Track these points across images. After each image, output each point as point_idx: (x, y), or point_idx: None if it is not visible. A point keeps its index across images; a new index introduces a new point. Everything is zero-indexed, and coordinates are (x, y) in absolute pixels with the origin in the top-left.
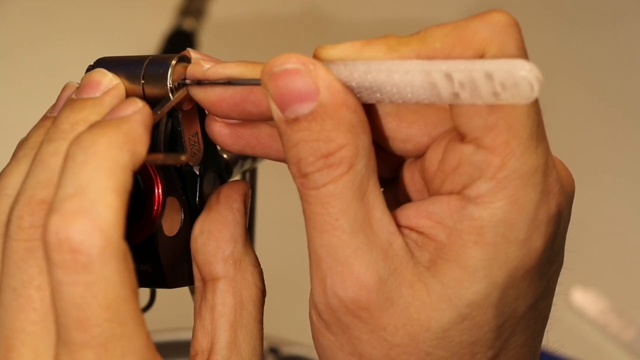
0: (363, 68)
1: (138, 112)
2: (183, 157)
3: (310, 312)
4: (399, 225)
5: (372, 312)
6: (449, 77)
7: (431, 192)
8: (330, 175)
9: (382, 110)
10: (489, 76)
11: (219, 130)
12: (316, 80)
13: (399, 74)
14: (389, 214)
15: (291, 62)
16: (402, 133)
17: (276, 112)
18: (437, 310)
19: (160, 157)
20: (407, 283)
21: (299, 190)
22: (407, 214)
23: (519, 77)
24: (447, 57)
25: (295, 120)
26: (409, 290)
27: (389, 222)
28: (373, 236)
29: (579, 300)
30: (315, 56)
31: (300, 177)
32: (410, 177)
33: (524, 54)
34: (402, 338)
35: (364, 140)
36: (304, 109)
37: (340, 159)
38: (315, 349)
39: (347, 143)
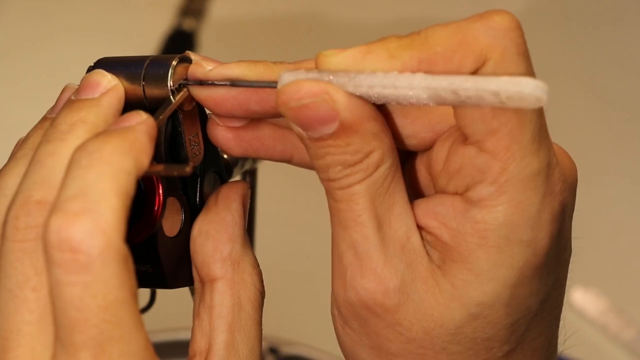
0: (367, 82)
1: (142, 123)
2: (187, 169)
3: (332, 309)
4: None
5: (387, 307)
6: (455, 93)
7: (437, 189)
8: (357, 178)
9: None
10: (495, 93)
11: (222, 135)
12: (333, 106)
13: (404, 90)
14: (409, 209)
15: (304, 96)
16: (406, 129)
17: (298, 130)
18: (449, 308)
19: (164, 168)
20: (422, 279)
21: (325, 188)
22: (416, 213)
23: (525, 94)
24: (448, 62)
25: (320, 138)
26: (423, 286)
27: (408, 217)
28: (391, 231)
29: (579, 300)
30: (317, 64)
31: (328, 180)
32: (417, 171)
33: (525, 60)
34: (417, 333)
35: (388, 143)
36: (326, 130)
37: (367, 165)
38: (338, 346)
39: (373, 150)
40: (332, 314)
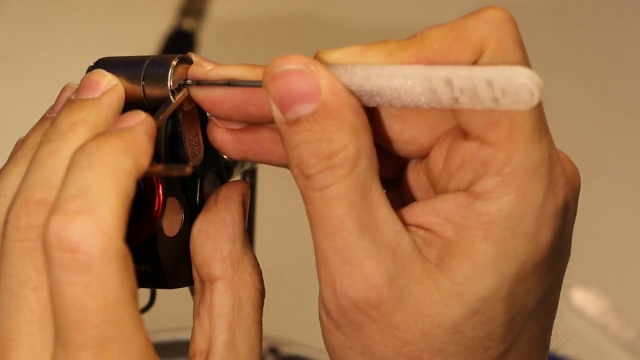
0: (363, 73)
1: (141, 123)
2: (187, 169)
3: (319, 313)
4: (406, 224)
5: (383, 310)
6: (449, 83)
7: (437, 191)
8: (333, 176)
9: (384, 112)
10: (489, 83)
11: (222, 137)
12: (318, 81)
13: (399, 80)
14: (393, 214)
15: (292, 62)
16: (404, 134)
17: (277, 114)
18: (448, 306)
19: (164, 168)
20: (417, 280)
21: (302, 193)
22: (414, 212)
23: (519, 84)
24: (446, 58)
25: (297, 121)
26: (418, 288)
27: (395, 221)
28: (379, 236)
29: (579, 300)
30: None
31: (303, 179)
32: (415, 178)
33: (521, 49)
34: (413, 335)
35: (366, 142)
36: (305, 109)
37: (342, 160)
38: (326, 350)
39: (349, 143)
40: (321, 321)
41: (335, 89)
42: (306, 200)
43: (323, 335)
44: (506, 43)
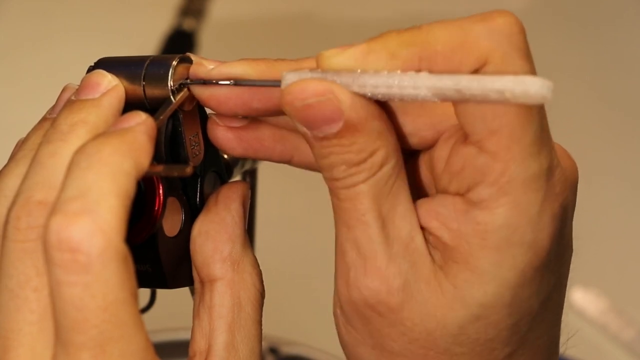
0: (372, 82)
1: (141, 124)
2: (188, 169)
3: (334, 307)
4: None
5: (391, 306)
6: (460, 92)
7: (439, 189)
8: (361, 177)
9: (385, 104)
10: (500, 92)
11: (222, 135)
12: (338, 105)
13: (409, 90)
14: (412, 209)
15: (310, 96)
16: (407, 127)
17: (303, 129)
18: (452, 309)
19: (164, 168)
20: (425, 279)
21: (329, 186)
22: (418, 213)
23: (531, 94)
24: (448, 61)
25: (325, 137)
26: (426, 286)
27: (412, 216)
28: (395, 230)
29: (579, 300)
30: (318, 65)
31: (332, 179)
32: (419, 170)
33: (528, 62)
34: (420, 333)
35: (392, 142)
36: (331, 129)
37: (371, 164)
38: (340, 346)
39: (378, 149)
40: (335, 314)
41: (356, 105)
42: (332, 194)
43: (337, 330)
44: (511, 58)
